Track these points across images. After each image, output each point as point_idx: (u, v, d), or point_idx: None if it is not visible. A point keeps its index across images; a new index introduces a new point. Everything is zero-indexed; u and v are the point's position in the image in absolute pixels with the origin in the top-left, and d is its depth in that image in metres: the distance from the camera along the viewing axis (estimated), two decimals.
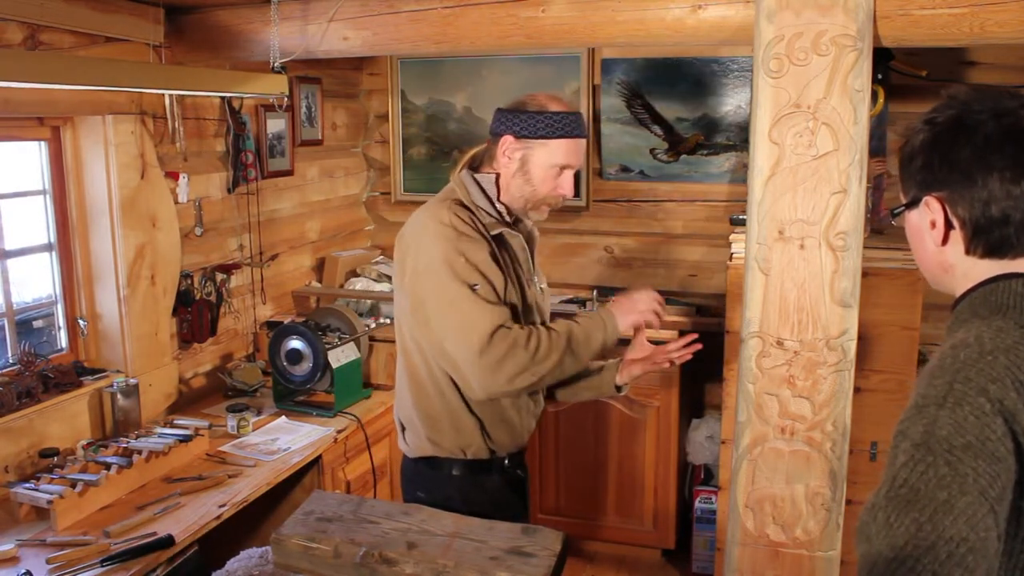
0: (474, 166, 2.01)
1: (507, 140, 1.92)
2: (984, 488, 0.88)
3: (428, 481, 2.01)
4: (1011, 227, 1.04)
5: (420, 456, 2.01)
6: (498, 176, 1.95)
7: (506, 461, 2.03)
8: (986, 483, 0.89)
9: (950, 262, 1.10)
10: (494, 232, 1.92)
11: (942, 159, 1.07)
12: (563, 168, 1.92)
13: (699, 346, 2.04)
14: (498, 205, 1.96)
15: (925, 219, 1.10)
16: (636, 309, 1.96)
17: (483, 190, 1.95)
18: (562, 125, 1.90)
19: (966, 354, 0.98)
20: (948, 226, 1.08)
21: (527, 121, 1.90)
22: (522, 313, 1.95)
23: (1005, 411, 0.92)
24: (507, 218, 1.97)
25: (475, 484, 2.00)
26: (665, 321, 2.03)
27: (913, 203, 1.12)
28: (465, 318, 1.79)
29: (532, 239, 2.07)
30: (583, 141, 1.96)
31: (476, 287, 1.81)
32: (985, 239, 1.06)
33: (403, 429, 2.05)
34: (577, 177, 3.70)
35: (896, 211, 1.16)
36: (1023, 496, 0.92)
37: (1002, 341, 0.99)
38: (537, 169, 1.91)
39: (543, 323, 2.07)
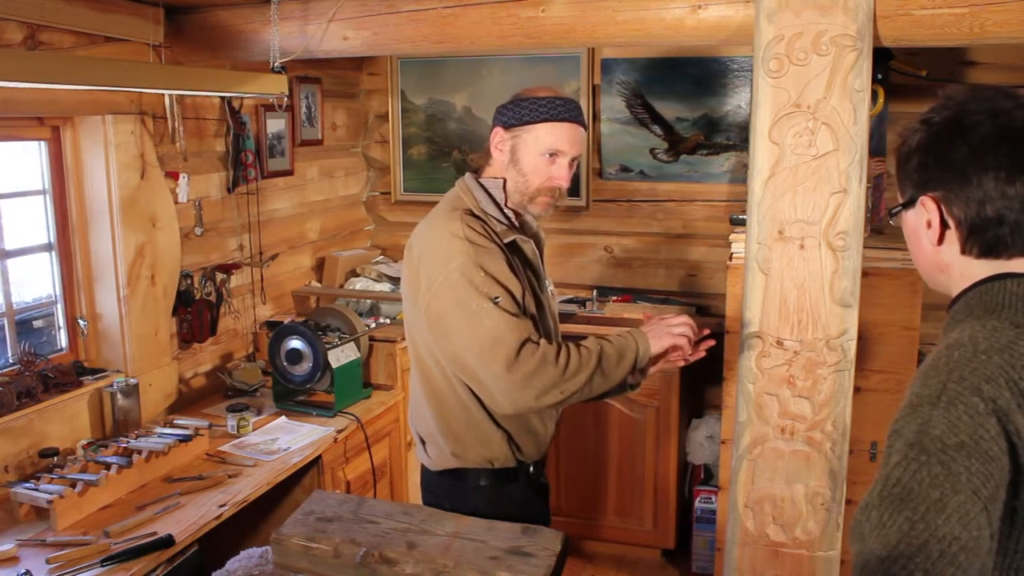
0: (474, 170, 1.97)
1: (497, 132, 1.89)
2: (977, 487, 0.89)
3: (454, 493, 1.96)
4: (1006, 227, 1.04)
5: (444, 469, 1.96)
6: (505, 181, 1.89)
7: (531, 469, 1.99)
8: (979, 482, 0.89)
9: (946, 262, 1.11)
10: (507, 240, 1.86)
11: (938, 159, 1.07)
12: (554, 155, 1.84)
13: (712, 342, 1.92)
14: (507, 211, 1.91)
15: (921, 219, 1.11)
16: (670, 332, 1.85)
17: (491, 196, 1.90)
18: (548, 109, 1.83)
19: (960, 353, 0.99)
20: (944, 226, 1.09)
21: (514, 110, 1.86)
22: (537, 318, 1.89)
23: (999, 410, 0.93)
24: (516, 223, 1.92)
25: (502, 494, 1.94)
26: (698, 350, 1.92)
27: (909, 203, 1.13)
28: (490, 333, 1.73)
29: (540, 241, 2.03)
30: (577, 127, 1.86)
31: (498, 300, 1.74)
32: (980, 239, 1.06)
33: (423, 442, 1.99)
34: (577, 176, 3.76)
35: (893, 211, 1.17)
36: (1017, 496, 0.93)
37: (996, 341, 0.99)
38: (527, 157, 1.85)
39: (557, 329, 2.02)
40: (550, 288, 2.04)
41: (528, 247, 1.92)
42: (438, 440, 1.93)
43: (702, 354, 1.92)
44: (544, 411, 1.90)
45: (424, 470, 2.04)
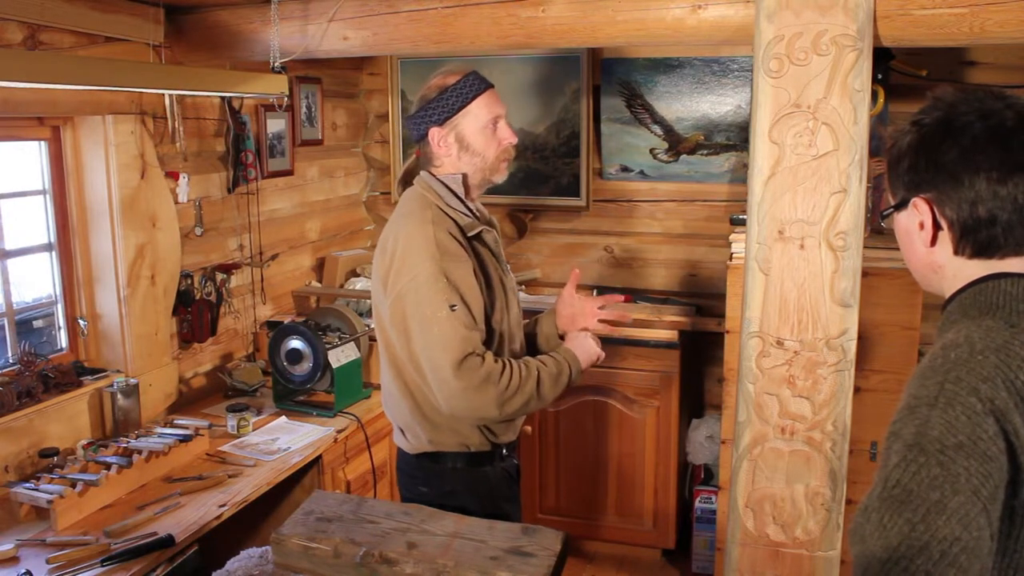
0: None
1: (434, 133, 1.97)
2: (976, 487, 0.89)
3: (430, 475, 2.04)
4: (998, 227, 1.05)
5: (422, 452, 2.04)
6: (465, 176, 1.99)
7: (504, 451, 2.08)
8: (978, 482, 0.89)
9: (939, 263, 1.11)
10: (474, 232, 1.96)
11: (929, 161, 1.07)
12: (496, 121, 1.98)
13: (624, 316, 2.20)
14: (469, 204, 2.00)
15: (913, 220, 1.11)
16: (588, 351, 2.05)
17: (452, 192, 1.98)
18: (468, 88, 1.96)
19: (956, 354, 0.99)
20: (936, 227, 1.09)
21: (437, 106, 1.95)
22: (505, 299, 2.00)
23: (996, 410, 0.93)
24: (481, 216, 2.03)
25: (478, 476, 2.03)
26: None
27: (901, 205, 1.13)
28: (439, 340, 1.83)
29: (496, 227, 2.13)
30: (494, 90, 2.02)
31: (454, 308, 1.84)
32: (973, 239, 1.07)
33: (401, 430, 2.08)
34: (576, 176, 3.77)
35: (885, 213, 1.17)
36: (1016, 495, 0.93)
37: (992, 341, 0.99)
38: (474, 136, 1.96)
39: (519, 310, 2.11)
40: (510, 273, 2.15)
41: (491, 236, 2.03)
42: (415, 428, 2.02)
43: (626, 319, 2.23)
44: (481, 423, 1.98)
45: (401, 452, 2.12)
